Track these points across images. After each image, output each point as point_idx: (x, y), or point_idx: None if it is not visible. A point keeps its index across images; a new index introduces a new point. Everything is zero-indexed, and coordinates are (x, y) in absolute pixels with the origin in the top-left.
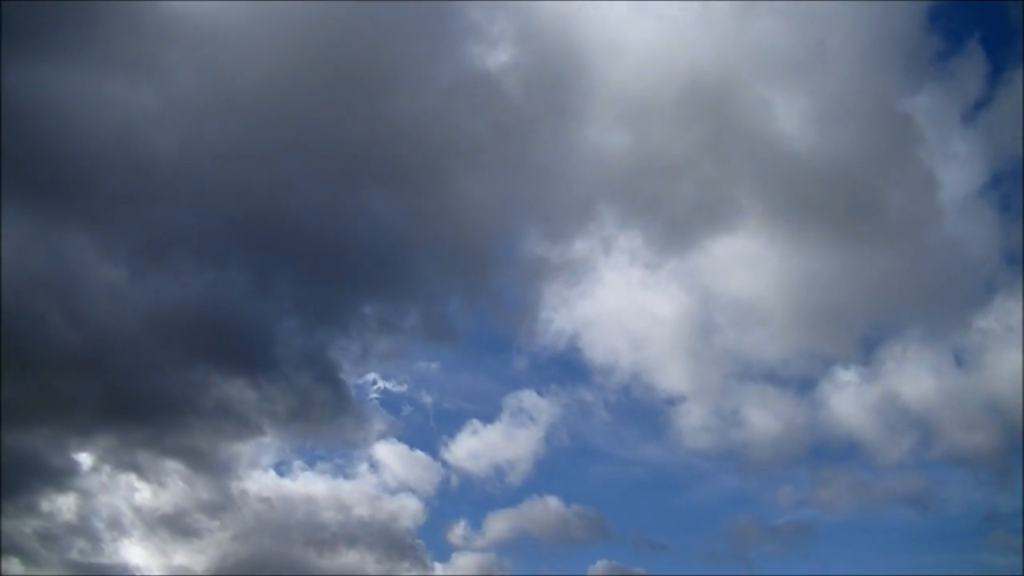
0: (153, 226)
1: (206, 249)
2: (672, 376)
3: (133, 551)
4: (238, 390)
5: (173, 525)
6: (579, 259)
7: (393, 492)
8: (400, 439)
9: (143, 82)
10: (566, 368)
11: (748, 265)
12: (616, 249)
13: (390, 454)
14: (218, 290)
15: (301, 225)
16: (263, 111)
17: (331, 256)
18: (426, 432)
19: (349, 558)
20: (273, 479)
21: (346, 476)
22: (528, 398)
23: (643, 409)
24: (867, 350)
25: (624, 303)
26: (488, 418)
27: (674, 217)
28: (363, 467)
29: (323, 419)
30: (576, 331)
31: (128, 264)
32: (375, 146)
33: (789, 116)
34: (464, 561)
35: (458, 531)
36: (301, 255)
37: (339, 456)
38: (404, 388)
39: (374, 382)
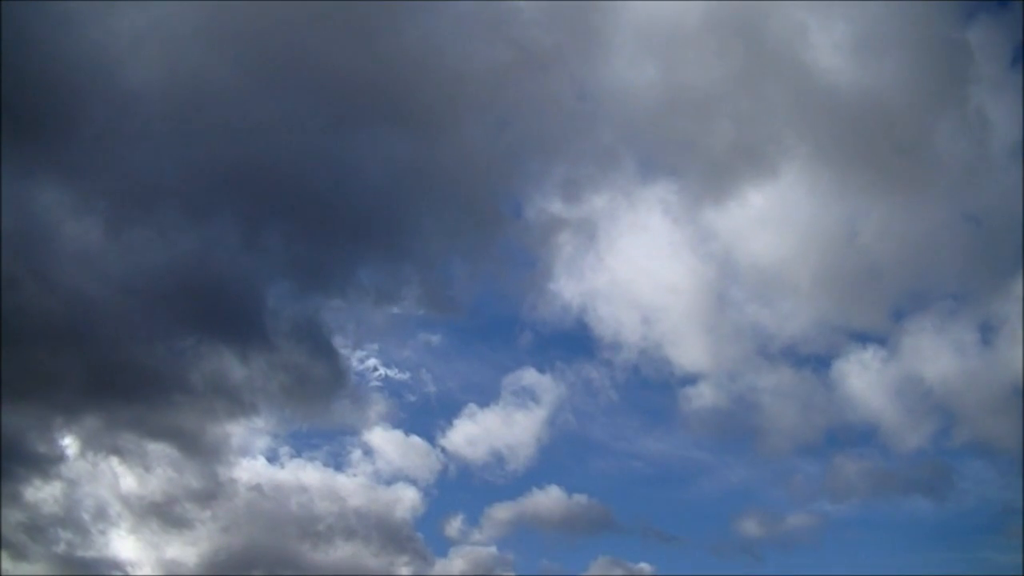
0: (131, 173)
1: (191, 200)
2: (686, 353)
3: (123, 544)
4: (227, 364)
5: (162, 515)
6: (598, 216)
7: (389, 482)
8: (396, 425)
9: (118, 5)
10: (572, 344)
11: (781, 220)
12: (641, 202)
13: (385, 441)
14: (204, 249)
15: (294, 171)
16: (253, 39)
17: (326, 208)
18: (423, 417)
19: (345, 551)
20: (264, 467)
21: (339, 465)
22: (530, 376)
23: (652, 391)
24: (893, 321)
25: (640, 270)
26: (488, 401)
27: (706, 163)
28: (357, 454)
29: (318, 397)
30: (585, 303)
31: (105, 219)
32: (375, 80)
33: (826, 44)
34: (464, 555)
35: (456, 524)
36: (293, 206)
37: (332, 443)
38: (407, 376)
39: (375, 369)
